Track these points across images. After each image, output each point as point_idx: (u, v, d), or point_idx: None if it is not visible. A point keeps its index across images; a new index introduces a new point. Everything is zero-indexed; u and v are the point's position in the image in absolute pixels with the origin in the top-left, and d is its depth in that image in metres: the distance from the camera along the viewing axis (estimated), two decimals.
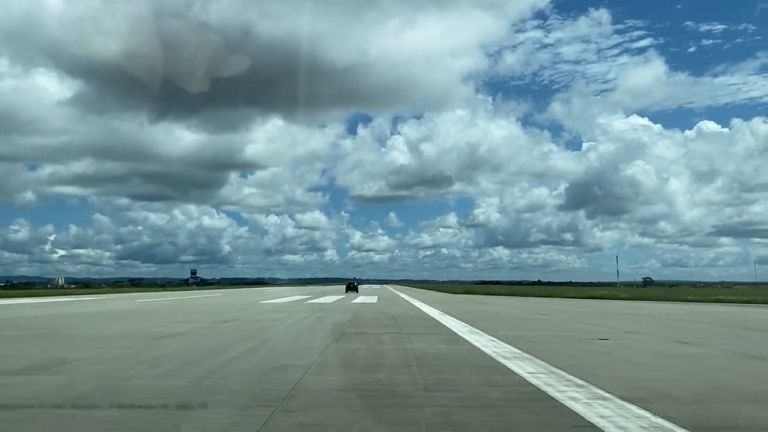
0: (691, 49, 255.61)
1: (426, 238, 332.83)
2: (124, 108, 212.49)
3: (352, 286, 73.87)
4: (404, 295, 65.23)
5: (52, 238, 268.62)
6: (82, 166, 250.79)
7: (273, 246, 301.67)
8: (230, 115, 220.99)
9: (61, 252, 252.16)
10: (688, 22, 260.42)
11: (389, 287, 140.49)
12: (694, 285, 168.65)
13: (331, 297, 51.52)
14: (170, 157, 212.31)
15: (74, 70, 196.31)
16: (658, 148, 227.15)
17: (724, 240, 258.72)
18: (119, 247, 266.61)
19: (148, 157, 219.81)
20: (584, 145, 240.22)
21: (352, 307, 34.05)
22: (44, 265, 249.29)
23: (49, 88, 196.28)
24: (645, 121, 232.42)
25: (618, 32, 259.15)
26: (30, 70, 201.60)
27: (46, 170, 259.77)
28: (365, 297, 52.34)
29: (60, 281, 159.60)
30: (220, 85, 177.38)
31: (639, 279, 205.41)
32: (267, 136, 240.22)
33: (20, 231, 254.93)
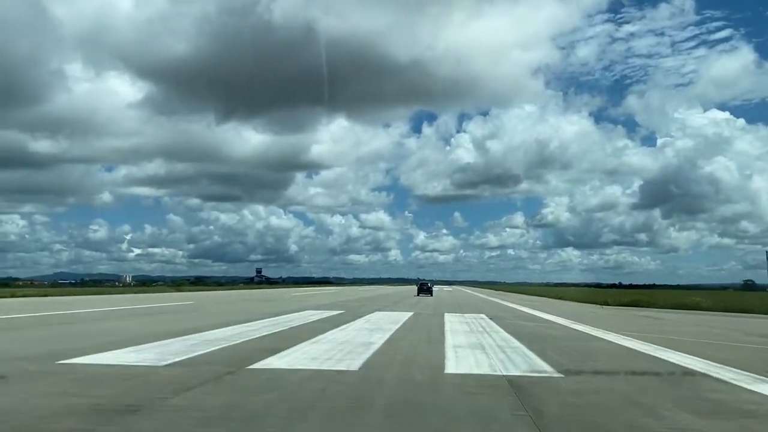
0: None
1: (492, 239, 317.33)
2: (192, 109, 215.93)
3: (425, 288, 59.28)
4: (511, 303, 41.91)
5: (128, 237, 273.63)
6: (153, 167, 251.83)
7: (338, 246, 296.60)
8: (295, 114, 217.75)
9: (137, 251, 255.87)
10: None
11: (466, 289, 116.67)
12: None
13: (401, 313, 26.01)
14: (237, 157, 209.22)
15: (144, 72, 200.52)
16: (740, 144, 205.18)
17: None
18: (191, 246, 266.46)
19: (216, 158, 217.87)
20: (659, 141, 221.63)
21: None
22: (121, 263, 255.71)
23: (121, 91, 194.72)
24: (726, 115, 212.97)
25: (695, 24, 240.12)
26: (102, 74, 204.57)
27: (121, 172, 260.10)
28: (457, 317, 24.55)
29: (128, 279, 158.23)
30: (285, 85, 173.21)
31: (738, 282, 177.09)
32: (332, 136, 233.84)
33: (99, 231, 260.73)
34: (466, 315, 25.53)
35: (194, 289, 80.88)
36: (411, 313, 25.65)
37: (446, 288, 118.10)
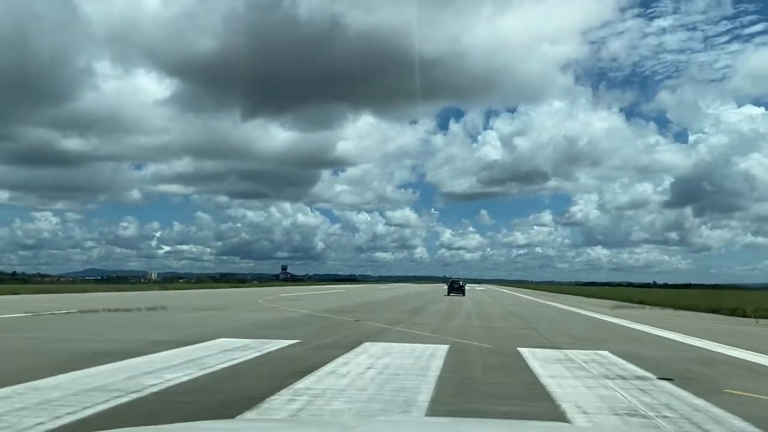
0: None
1: (519, 237, 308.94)
2: (219, 106, 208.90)
3: (456, 286, 50.61)
4: (589, 311, 27.65)
5: (157, 234, 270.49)
6: (182, 165, 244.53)
7: (364, 243, 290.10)
8: (321, 111, 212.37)
9: (166, 248, 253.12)
10: None
11: (501, 288, 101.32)
12: None
13: (423, 347, 11.15)
14: (264, 154, 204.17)
15: (171, 69, 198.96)
16: None
17: None
18: (219, 243, 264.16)
19: (243, 155, 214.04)
20: (692, 138, 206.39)
21: None
22: (150, 260, 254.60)
23: (149, 88, 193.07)
24: (762, 110, 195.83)
25: (728, 18, 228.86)
26: (130, 71, 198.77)
27: (150, 169, 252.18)
28: (553, 354, 10.67)
29: (153, 276, 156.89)
30: (311, 81, 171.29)
31: None
32: (358, 133, 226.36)
33: (128, 228, 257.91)
34: (569, 352, 11.20)
35: (204, 287, 70.48)
36: (445, 348, 11.35)
37: (478, 287, 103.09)
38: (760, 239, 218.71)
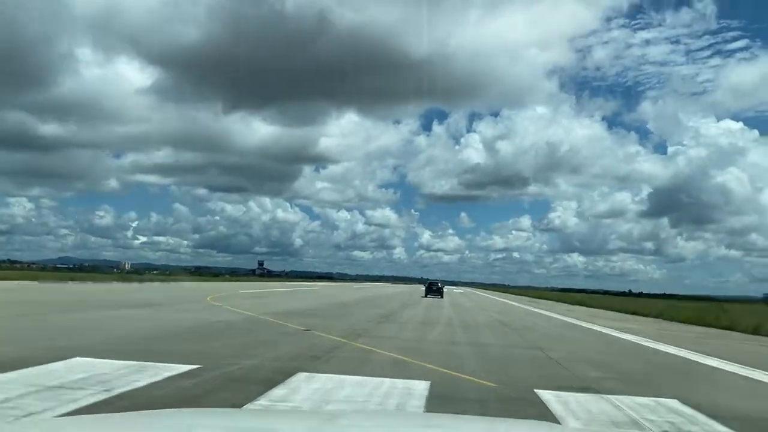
0: None
1: (497, 241, 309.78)
2: (200, 97, 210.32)
3: (435, 288, 48.90)
4: (611, 330, 23.75)
5: (134, 224, 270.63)
6: (161, 156, 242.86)
7: (343, 242, 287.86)
8: (305, 107, 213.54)
9: (142, 239, 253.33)
10: None
11: (480, 292, 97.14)
12: None
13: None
14: (245, 148, 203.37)
15: (153, 58, 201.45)
16: (753, 155, 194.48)
17: None
18: (196, 236, 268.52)
19: (224, 148, 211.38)
20: (670, 149, 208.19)
21: None
22: (126, 250, 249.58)
23: (130, 76, 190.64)
24: (740, 125, 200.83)
25: (711, 33, 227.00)
26: (112, 58, 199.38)
27: (129, 158, 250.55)
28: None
29: (127, 266, 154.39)
30: (295, 76, 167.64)
31: (759, 295, 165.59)
32: (341, 130, 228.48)
33: (105, 217, 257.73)
34: (617, 400, 7.04)
35: (173, 280, 66.57)
36: (424, 389, 7.13)
37: (456, 290, 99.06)
38: (732, 252, 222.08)
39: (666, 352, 13.62)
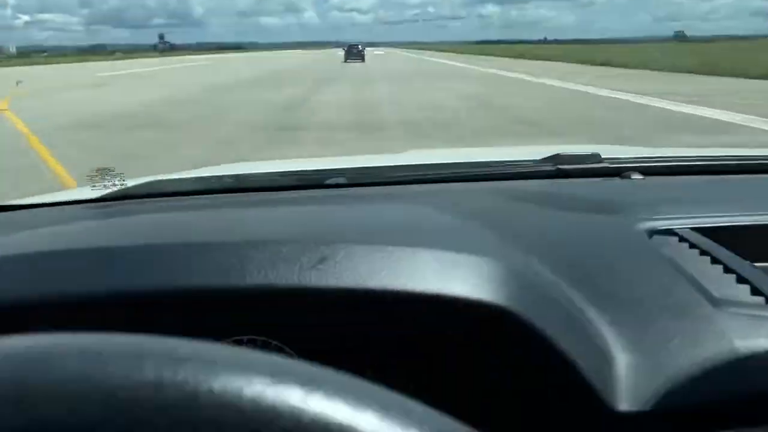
0: None
1: None
2: None
3: (355, 51, 44.09)
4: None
5: (11, 1, 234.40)
6: None
7: (248, 7, 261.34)
8: None
9: (24, 17, 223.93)
10: None
11: (407, 52, 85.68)
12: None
13: None
14: None
15: None
16: None
17: None
18: (85, 11, 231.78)
19: None
20: None
21: None
22: (9, 32, 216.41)
23: None
24: None
25: None
26: None
27: None
28: None
29: (12, 49, 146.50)
30: None
31: (669, 33, 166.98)
32: None
33: None
34: None
35: (41, 63, 58.06)
36: None
37: (376, 51, 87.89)
38: None
39: None
